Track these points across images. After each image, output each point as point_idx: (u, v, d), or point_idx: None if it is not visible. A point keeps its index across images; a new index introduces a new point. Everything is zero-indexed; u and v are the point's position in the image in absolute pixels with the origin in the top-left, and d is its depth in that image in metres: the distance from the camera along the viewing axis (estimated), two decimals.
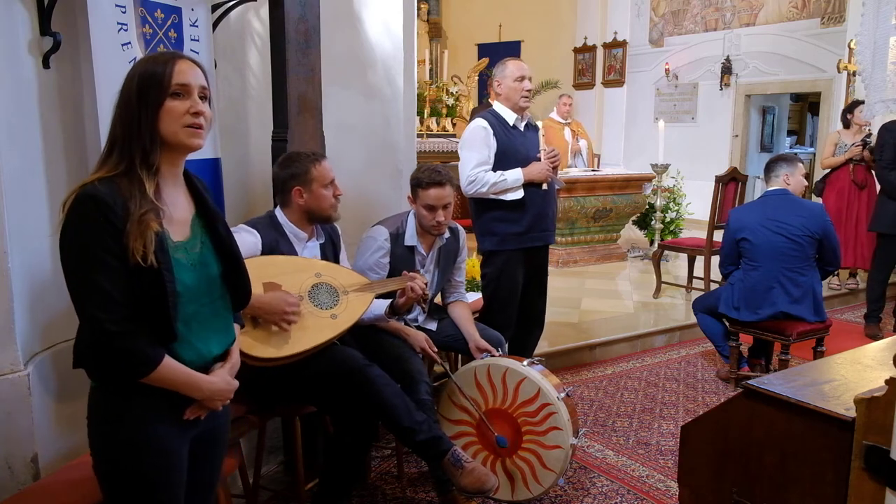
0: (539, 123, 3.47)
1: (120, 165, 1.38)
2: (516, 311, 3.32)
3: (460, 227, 3.01)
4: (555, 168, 3.29)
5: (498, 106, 3.31)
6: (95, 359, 1.40)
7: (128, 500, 1.46)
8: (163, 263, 1.37)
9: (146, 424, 1.43)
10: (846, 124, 5.68)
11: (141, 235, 1.34)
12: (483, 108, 7.11)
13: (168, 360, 1.41)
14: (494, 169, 3.18)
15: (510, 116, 3.27)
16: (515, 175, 3.17)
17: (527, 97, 3.26)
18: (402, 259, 2.73)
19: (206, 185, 1.58)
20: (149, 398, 1.42)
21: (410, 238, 2.77)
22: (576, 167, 7.31)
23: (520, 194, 3.19)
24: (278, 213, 2.44)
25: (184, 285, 1.42)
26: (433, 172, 2.71)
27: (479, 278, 4.21)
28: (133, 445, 1.43)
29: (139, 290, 1.36)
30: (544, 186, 3.25)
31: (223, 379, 1.52)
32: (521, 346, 3.37)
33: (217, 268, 1.52)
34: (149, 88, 1.38)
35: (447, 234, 2.85)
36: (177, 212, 1.47)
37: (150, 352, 1.38)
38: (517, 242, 3.25)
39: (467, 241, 3.10)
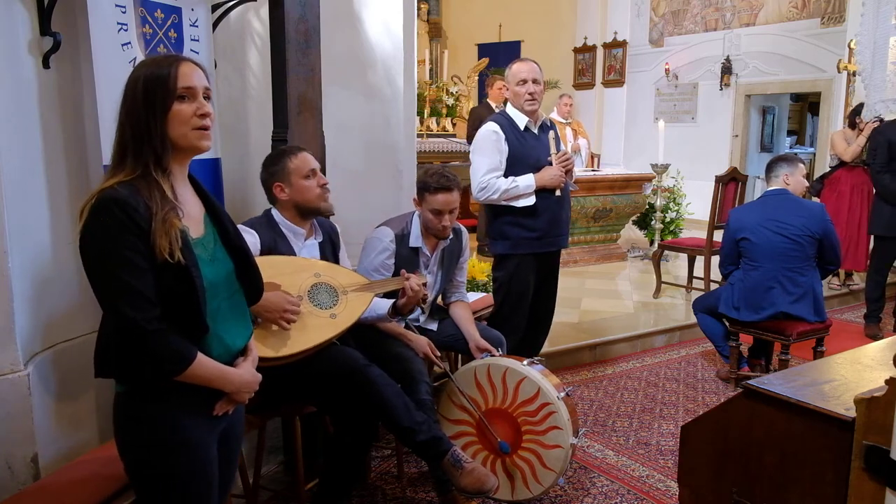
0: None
1: (136, 171, 1.40)
2: (526, 315, 3.31)
3: (463, 228, 3.00)
4: (568, 171, 3.25)
5: (510, 108, 3.27)
6: (128, 361, 1.40)
7: (165, 501, 1.48)
8: (189, 259, 1.39)
9: (180, 423, 1.45)
10: (853, 125, 5.65)
11: (166, 234, 1.36)
12: (482, 108, 7.13)
13: (201, 356, 1.43)
14: (506, 174, 3.15)
15: (521, 120, 3.22)
16: (527, 181, 3.14)
17: (531, 100, 3.18)
18: (406, 260, 2.73)
19: (202, 184, 1.60)
20: (180, 396, 1.44)
21: (415, 240, 2.77)
22: (574, 166, 7.32)
23: (531, 201, 3.16)
24: (273, 211, 2.44)
25: (207, 280, 1.44)
26: (441, 177, 2.68)
27: (479, 278, 4.23)
28: (166, 449, 1.44)
29: (166, 289, 1.38)
30: (557, 193, 3.22)
31: (249, 371, 1.56)
32: (528, 348, 3.35)
33: (230, 263, 1.55)
34: (155, 93, 1.40)
35: (450, 235, 2.85)
36: (190, 209, 1.49)
37: (185, 349, 1.40)
38: (530, 247, 3.23)
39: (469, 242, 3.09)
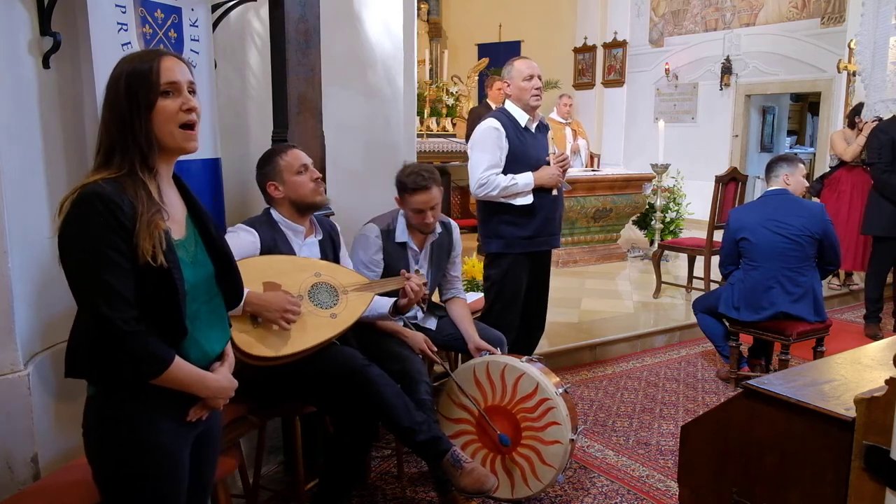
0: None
1: (122, 169, 1.37)
2: (519, 314, 3.32)
3: (453, 222, 3.00)
4: (563, 171, 3.27)
5: (510, 106, 3.27)
6: (103, 361, 1.37)
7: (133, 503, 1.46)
8: (171, 262, 1.38)
9: (153, 427, 1.43)
10: (852, 125, 5.65)
11: (150, 236, 1.34)
12: (482, 108, 7.12)
13: (178, 360, 1.41)
14: (505, 172, 3.16)
15: (522, 118, 3.23)
16: (526, 179, 3.15)
17: (537, 96, 3.21)
18: (394, 255, 2.74)
19: (187, 184, 1.58)
20: (154, 400, 1.42)
21: (401, 234, 2.78)
22: (573, 167, 7.32)
23: (529, 199, 3.17)
24: (272, 210, 2.45)
25: (187, 283, 1.42)
26: (417, 177, 2.67)
27: (479, 278, 4.23)
28: (141, 449, 1.42)
29: (147, 290, 1.36)
30: (554, 192, 3.24)
31: (226, 377, 1.54)
32: (522, 347, 3.36)
33: (210, 266, 1.53)
34: (138, 90, 1.37)
35: (439, 229, 2.86)
36: (174, 211, 1.47)
37: (162, 351, 1.38)
38: (524, 246, 3.23)
39: (466, 241, 3.09)
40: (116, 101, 1.38)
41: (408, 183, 2.68)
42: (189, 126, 1.42)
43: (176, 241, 1.44)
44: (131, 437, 1.41)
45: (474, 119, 6.80)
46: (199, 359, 1.48)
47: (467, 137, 7.71)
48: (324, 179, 2.64)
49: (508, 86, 3.25)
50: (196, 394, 1.47)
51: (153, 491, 1.45)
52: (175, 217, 1.47)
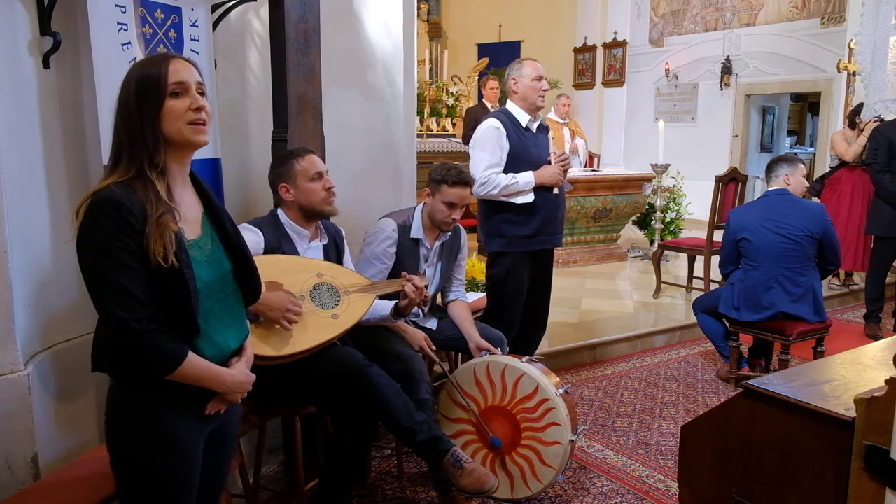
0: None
1: (130, 171, 1.40)
2: (521, 313, 3.32)
3: (461, 225, 3.03)
4: (564, 171, 3.28)
5: (511, 106, 3.28)
6: (119, 359, 1.41)
7: (145, 497, 1.49)
8: (183, 262, 1.40)
9: (169, 421, 1.46)
10: (852, 125, 5.65)
11: (160, 237, 1.36)
12: (478, 108, 7.13)
13: (192, 356, 1.43)
14: (505, 171, 3.17)
15: (523, 117, 3.25)
16: (527, 178, 3.16)
17: (543, 97, 3.25)
18: (407, 251, 2.77)
19: (206, 183, 1.60)
20: (171, 395, 1.44)
21: (416, 231, 2.81)
22: (572, 166, 7.33)
23: (530, 198, 3.19)
24: (279, 211, 2.45)
25: (201, 281, 1.44)
26: (460, 172, 2.76)
27: (479, 278, 4.23)
28: (155, 442, 1.45)
29: (160, 289, 1.38)
30: (555, 191, 3.25)
31: (242, 371, 1.56)
32: (524, 347, 3.37)
33: (228, 264, 1.55)
34: (147, 91, 1.40)
35: (448, 231, 2.87)
36: (187, 210, 1.49)
37: (174, 349, 1.41)
38: (525, 245, 3.24)
39: (468, 241, 3.11)
40: (127, 105, 1.41)
41: (449, 176, 2.73)
42: (199, 124, 1.44)
43: (190, 240, 1.46)
44: (145, 430, 1.45)
45: (470, 119, 6.81)
46: (214, 355, 1.50)
47: (464, 137, 7.70)
48: None
49: (516, 83, 3.25)
50: (212, 388, 1.50)
51: (163, 482, 1.47)
52: (189, 216, 1.48)
